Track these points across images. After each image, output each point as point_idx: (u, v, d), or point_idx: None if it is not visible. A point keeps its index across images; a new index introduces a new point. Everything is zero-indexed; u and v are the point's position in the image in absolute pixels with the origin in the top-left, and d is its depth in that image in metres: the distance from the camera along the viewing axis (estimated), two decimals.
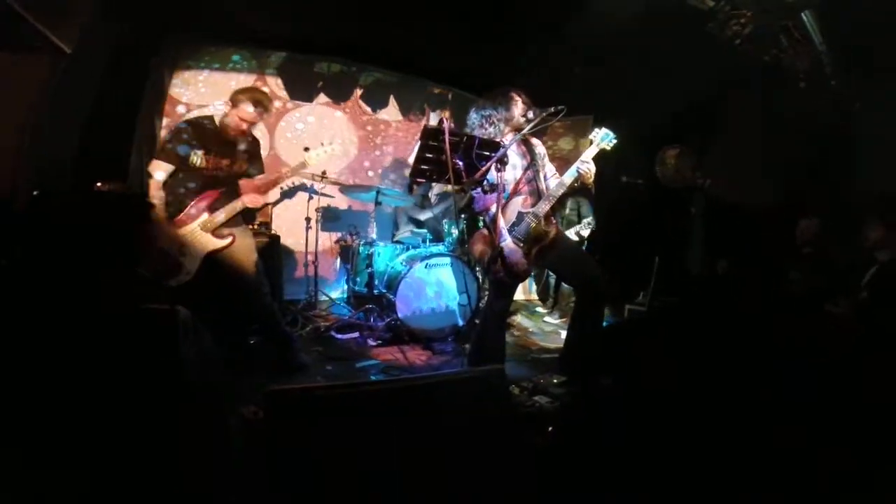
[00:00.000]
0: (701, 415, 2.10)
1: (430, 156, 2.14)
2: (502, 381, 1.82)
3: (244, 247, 2.63)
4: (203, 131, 2.49)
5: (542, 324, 4.35)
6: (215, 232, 2.53)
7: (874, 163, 2.79)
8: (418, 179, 2.26)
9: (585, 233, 3.91)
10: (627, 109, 3.52)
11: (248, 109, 2.49)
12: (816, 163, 3.08)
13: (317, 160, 2.72)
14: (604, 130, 2.47)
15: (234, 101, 2.50)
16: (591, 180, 2.47)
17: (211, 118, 2.57)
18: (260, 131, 4.28)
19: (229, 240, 2.55)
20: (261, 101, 2.53)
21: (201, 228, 2.50)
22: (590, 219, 3.95)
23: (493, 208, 2.36)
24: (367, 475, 1.51)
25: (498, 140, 2.31)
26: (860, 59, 2.72)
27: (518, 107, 2.49)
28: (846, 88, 2.80)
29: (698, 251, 4.19)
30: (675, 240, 4.11)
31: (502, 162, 2.18)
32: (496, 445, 1.75)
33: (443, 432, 1.65)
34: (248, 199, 2.55)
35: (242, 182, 2.57)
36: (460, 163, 2.13)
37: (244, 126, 2.52)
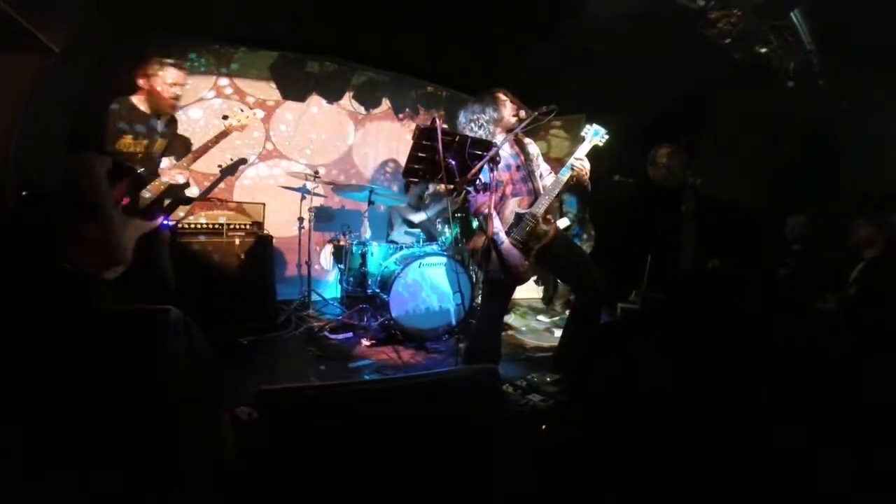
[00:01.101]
0: (694, 413, 2.13)
1: (423, 155, 2.14)
2: (494, 380, 1.83)
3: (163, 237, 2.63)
4: (124, 114, 2.42)
5: (535, 322, 4.36)
6: (146, 215, 2.48)
7: (862, 161, 2.83)
8: (411, 179, 2.27)
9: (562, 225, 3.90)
10: (619, 109, 3.55)
11: (174, 73, 2.45)
12: (805, 161, 3.12)
13: (238, 128, 2.73)
14: (595, 126, 2.47)
15: (150, 74, 2.43)
16: (587, 177, 2.47)
17: (126, 101, 2.47)
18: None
19: (159, 220, 2.54)
20: (177, 64, 2.50)
21: (126, 212, 2.44)
22: (570, 215, 3.95)
23: (488, 206, 2.36)
24: (360, 474, 1.51)
25: (490, 140, 2.32)
26: (847, 59, 2.75)
27: (506, 107, 2.48)
28: (834, 88, 2.83)
29: (689, 249, 4.23)
30: (666, 238, 4.14)
31: (494, 161, 2.19)
32: (489, 444, 1.76)
33: (436, 431, 1.65)
34: (172, 174, 2.50)
35: (165, 162, 2.54)
36: (453, 162, 2.13)
37: (177, 91, 2.47)
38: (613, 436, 2.08)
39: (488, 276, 2.53)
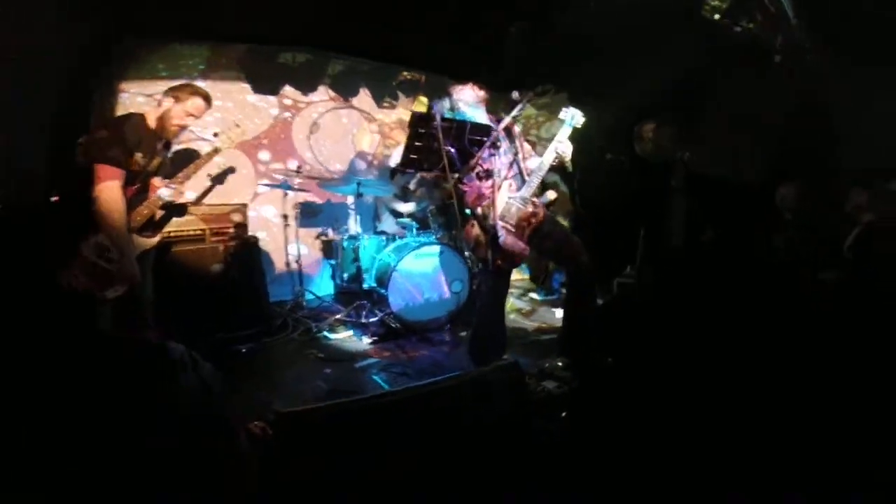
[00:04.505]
0: (698, 392, 2.14)
1: (419, 144, 2.05)
2: (519, 375, 1.77)
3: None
4: (138, 129, 2.33)
5: (531, 303, 4.34)
6: (140, 232, 2.40)
7: (853, 132, 2.84)
8: (409, 169, 2.17)
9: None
10: (611, 87, 3.48)
11: (198, 104, 2.42)
12: (797, 133, 3.11)
13: (229, 143, 2.67)
14: (573, 110, 2.45)
15: (178, 97, 2.39)
16: (568, 159, 2.47)
17: (141, 115, 2.39)
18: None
19: (157, 238, 2.48)
20: (208, 97, 2.48)
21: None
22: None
23: (485, 197, 2.29)
24: (386, 491, 1.46)
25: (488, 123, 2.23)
26: (834, 32, 2.72)
27: (463, 93, 2.43)
28: (822, 61, 2.80)
29: (680, 222, 4.24)
30: (658, 212, 4.14)
31: (496, 146, 2.11)
32: (515, 442, 1.72)
33: (459, 437, 1.60)
34: (168, 193, 2.42)
35: (155, 179, 2.45)
36: (452, 149, 2.04)
37: (188, 122, 2.44)
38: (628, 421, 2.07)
39: (490, 264, 2.47)
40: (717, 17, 2.68)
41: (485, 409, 1.66)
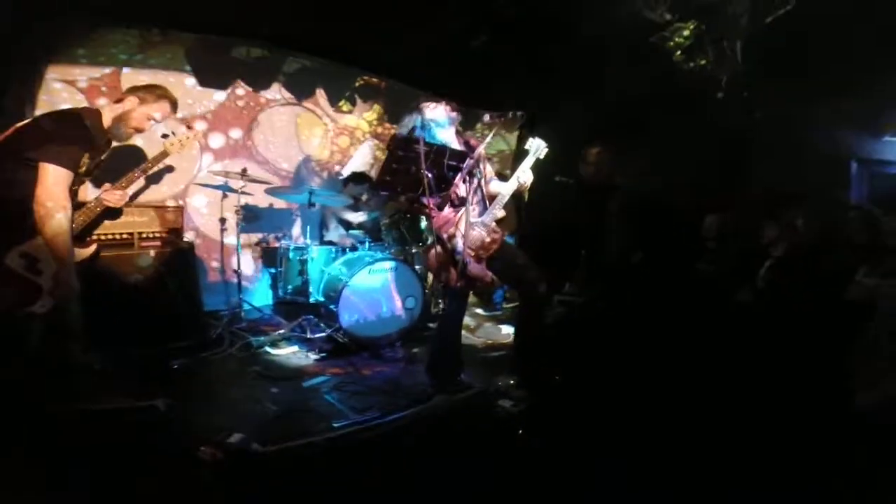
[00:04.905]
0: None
1: (396, 167, 2.03)
2: (485, 402, 1.82)
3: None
4: (95, 125, 2.09)
5: (477, 319, 4.43)
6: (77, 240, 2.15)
7: (773, 165, 3.25)
8: (382, 191, 2.14)
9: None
10: (564, 111, 3.66)
11: (165, 108, 2.23)
12: (726, 164, 3.50)
13: (179, 148, 2.50)
14: (538, 140, 2.53)
15: (144, 98, 2.18)
16: (527, 188, 2.54)
17: (98, 112, 2.15)
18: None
19: (94, 248, 2.27)
20: (175, 102, 2.30)
21: None
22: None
23: (453, 222, 2.32)
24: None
25: (464, 150, 2.25)
26: (763, 71, 3.09)
27: (438, 111, 2.40)
28: (754, 98, 3.15)
29: (616, 244, 4.55)
30: (598, 234, 4.41)
31: (472, 174, 2.14)
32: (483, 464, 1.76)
33: (429, 470, 1.61)
34: (108, 197, 2.24)
35: (87, 181, 2.25)
36: (429, 174, 2.05)
37: (147, 126, 2.23)
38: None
39: (451, 288, 2.49)
40: (678, 52, 2.92)
41: (451, 433, 1.69)
